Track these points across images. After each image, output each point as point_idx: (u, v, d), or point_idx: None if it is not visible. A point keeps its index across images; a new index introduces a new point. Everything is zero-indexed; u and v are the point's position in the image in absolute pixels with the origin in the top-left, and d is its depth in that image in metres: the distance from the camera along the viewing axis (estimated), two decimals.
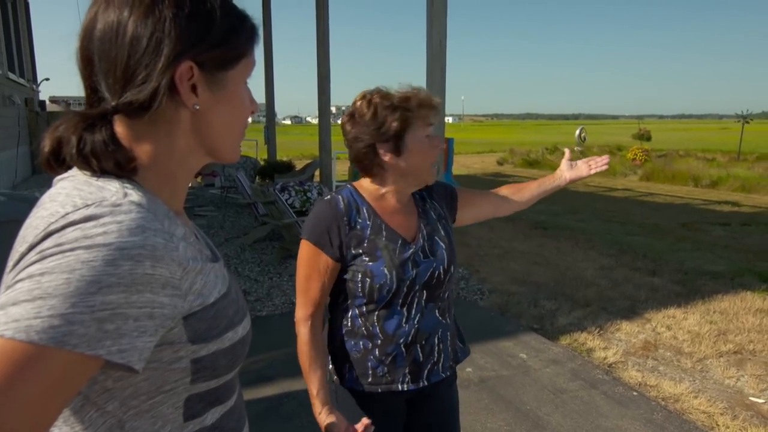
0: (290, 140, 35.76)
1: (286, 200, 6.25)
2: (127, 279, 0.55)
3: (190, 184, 0.77)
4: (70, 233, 0.54)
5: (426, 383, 1.47)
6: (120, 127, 0.65)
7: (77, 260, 0.53)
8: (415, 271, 1.40)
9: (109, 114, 0.63)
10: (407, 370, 1.44)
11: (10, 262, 0.57)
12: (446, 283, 1.48)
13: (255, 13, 0.72)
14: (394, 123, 1.35)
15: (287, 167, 11.35)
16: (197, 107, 0.66)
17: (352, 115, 1.40)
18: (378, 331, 1.41)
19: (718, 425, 2.93)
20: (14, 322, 0.50)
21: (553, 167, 20.54)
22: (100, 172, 0.62)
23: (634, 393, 3.20)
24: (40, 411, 0.52)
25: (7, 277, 0.56)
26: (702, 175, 13.80)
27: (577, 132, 23.91)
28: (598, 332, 4.17)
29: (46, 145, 0.65)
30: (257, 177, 11.21)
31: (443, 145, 1.55)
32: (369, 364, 1.43)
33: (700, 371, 3.58)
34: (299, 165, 11.81)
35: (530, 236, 7.58)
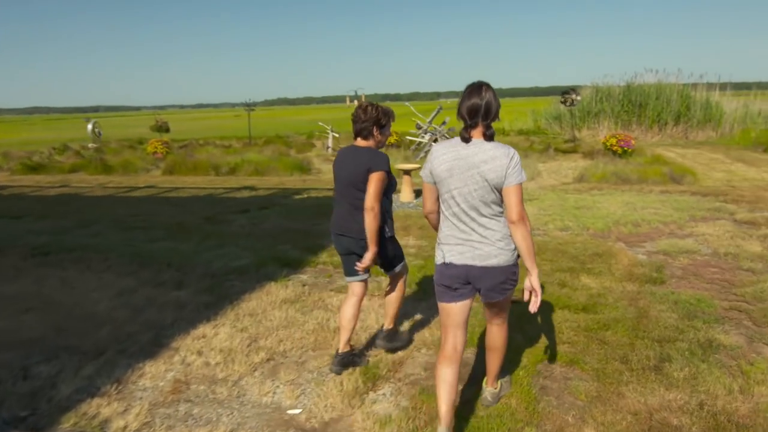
0: None
1: None
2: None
3: None
4: (515, 155, 2.45)
5: None
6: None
7: (519, 159, 2.50)
8: None
9: (489, 125, 2.50)
10: None
11: (499, 162, 2.42)
12: None
13: None
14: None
15: None
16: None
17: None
18: None
19: None
20: (521, 177, 2.45)
21: (63, 170, 17.49)
22: (491, 140, 2.49)
23: None
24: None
25: (502, 169, 2.41)
26: (221, 162, 14.33)
27: (90, 127, 21.64)
28: (116, 390, 3.24)
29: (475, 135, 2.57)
30: None
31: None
32: None
33: (237, 398, 3.13)
34: None
35: (23, 270, 5.73)
